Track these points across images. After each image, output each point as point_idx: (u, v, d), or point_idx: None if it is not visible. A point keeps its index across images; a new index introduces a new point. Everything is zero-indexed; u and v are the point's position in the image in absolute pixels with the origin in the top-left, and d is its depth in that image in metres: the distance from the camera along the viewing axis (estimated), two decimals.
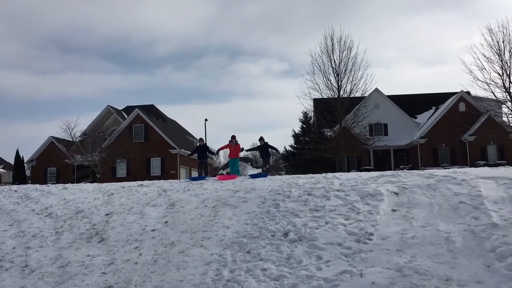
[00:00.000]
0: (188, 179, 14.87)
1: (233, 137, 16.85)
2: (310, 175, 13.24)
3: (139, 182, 14.05)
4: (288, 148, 48.89)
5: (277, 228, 7.60)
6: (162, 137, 39.67)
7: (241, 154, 23.39)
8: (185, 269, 6.54)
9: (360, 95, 33.87)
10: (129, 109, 46.40)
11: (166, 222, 8.76)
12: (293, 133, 47.19)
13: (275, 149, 17.57)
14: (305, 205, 8.75)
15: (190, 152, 18.41)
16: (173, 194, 10.97)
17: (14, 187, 14.26)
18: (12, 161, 50.40)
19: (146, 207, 9.95)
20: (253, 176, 13.75)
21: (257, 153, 18.05)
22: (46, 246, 8.16)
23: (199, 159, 16.88)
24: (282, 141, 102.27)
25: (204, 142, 17.34)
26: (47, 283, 6.66)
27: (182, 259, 6.88)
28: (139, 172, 37.24)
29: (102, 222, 9.17)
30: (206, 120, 46.55)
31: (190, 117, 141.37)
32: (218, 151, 18.48)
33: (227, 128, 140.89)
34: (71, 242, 8.26)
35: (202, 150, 16.86)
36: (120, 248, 7.68)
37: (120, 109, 48.42)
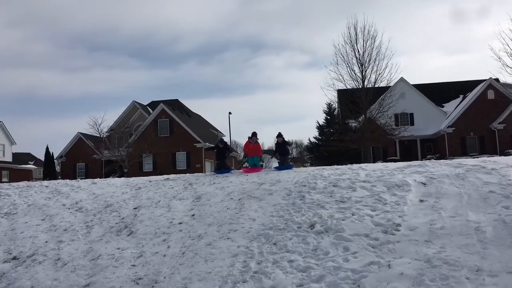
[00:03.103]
0: (213, 172, 14.58)
1: (254, 134, 14.98)
2: (335, 166, 13.16)
3: (166, 176, 14.21)
4: (313, 139, 48.65)
5: (303, 220, 7.59)
6: (187, 131, 39.98)
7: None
8: (212, 261, 6.61)
9: (385, 85, 33.26)
10: (154, 104, 46.89)
11: (193, 215, 8.85)
12: (317, 125, 46.93)
13: (289, 147, 15.75)
14: (331, 196, 8.71)
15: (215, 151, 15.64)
16: (199, 188, 11.08)
17: (45, 182, 14.56)
18: (42, 158, 51.61)
19: (173, 201, 10.08)
20: (278, 168, 13.63)
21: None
22: (77, 240, 8.36)
23: (218, 160, 15.41)
24: (306, 133, 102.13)
25: (223, 143, 15.54)
26: (79, 276, 6.82)
27: (210, 251, 6.95)
28: (165, 166, 37.65)
29: (131, 216, 9.33)
30: (230, 113, 46.76)
31: (213, 111, 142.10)
32: (244, 155, 15.45)
33: (251, 121, 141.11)
34: (101, 235, 8.44)
35: (221, 150, 15.05)
36: (148, 241, 7.81)
37: (145, 104, 48.96)
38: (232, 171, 14.49)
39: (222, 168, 14.51)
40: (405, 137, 37.20)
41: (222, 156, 14.96)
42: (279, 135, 15.12)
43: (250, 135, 15.01)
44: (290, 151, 14.91)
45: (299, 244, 6.72)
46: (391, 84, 34.13)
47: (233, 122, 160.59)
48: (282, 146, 14.83)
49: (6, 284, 6.90)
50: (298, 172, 11.82)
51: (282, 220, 7.75)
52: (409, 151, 39.35)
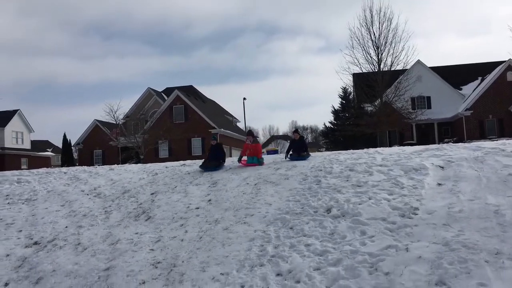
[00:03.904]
0: (201, 170, 11.95)
1: (250, 133, 13.36)
2: (352, 150, 13.08)
3: (182, 162, 14.29)
4: (328, 124, 48.45)
5: (319, 204, 7.59)
6: (202, 117, 40.07)
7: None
8: (229, 245, 6.65)
9: (401, 68, 32.80)
10: (169, 91, 47.08)
11: (210, 200, 8.91)
12: (333, 109, 46.74)
13: (306, 149, 12.45)
14: (347, 180, 8.67)
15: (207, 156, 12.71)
16: (215, 173, 11.13)
17: (64, 169, 14.77)
18: (60, 145, 52.30)
19: (190, 186, 10.15)
20: (292, 158, 12.12)
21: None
22: (96, 225, 8.49)
23: (208, 158, 12.39)
24: (321, 118, 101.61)
25: (217, 141, 13.14)
26: (99, 260, 6.94)
27: (227, 236, 7.00)
28: (180, 152, 37.86)
29: (148, 201, 9.43)
30: (244, 99, 46.74)
31: (228, 97, 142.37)
32: (240, 160, 12.52)
33: (265, 106, 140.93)
34: (120, 220, 8.56)
35: (214, 150, 12.52)
36: (166, 226, 7.89)
37: (160, 91, 49.19)
38: (221, 168, 12.10)
39: (208, 166, 11.91)
40: (422, 121, 36.77)
41: (213, 157, 12.31)
42: (296, 131, 13.48)
43: (246, 137, 13.11)
44: (306, 149, 12.31)
45: (316, 228, 6.72)
46: (408, 67, 33.67)
47: (248, 107, 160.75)
48: (298, 143, 12.44)
49: (28, 268, 7.05)
50: (314, 157, 11.79)
51: (298, 205, 7.76)
52: (426, 135, 38.91)
